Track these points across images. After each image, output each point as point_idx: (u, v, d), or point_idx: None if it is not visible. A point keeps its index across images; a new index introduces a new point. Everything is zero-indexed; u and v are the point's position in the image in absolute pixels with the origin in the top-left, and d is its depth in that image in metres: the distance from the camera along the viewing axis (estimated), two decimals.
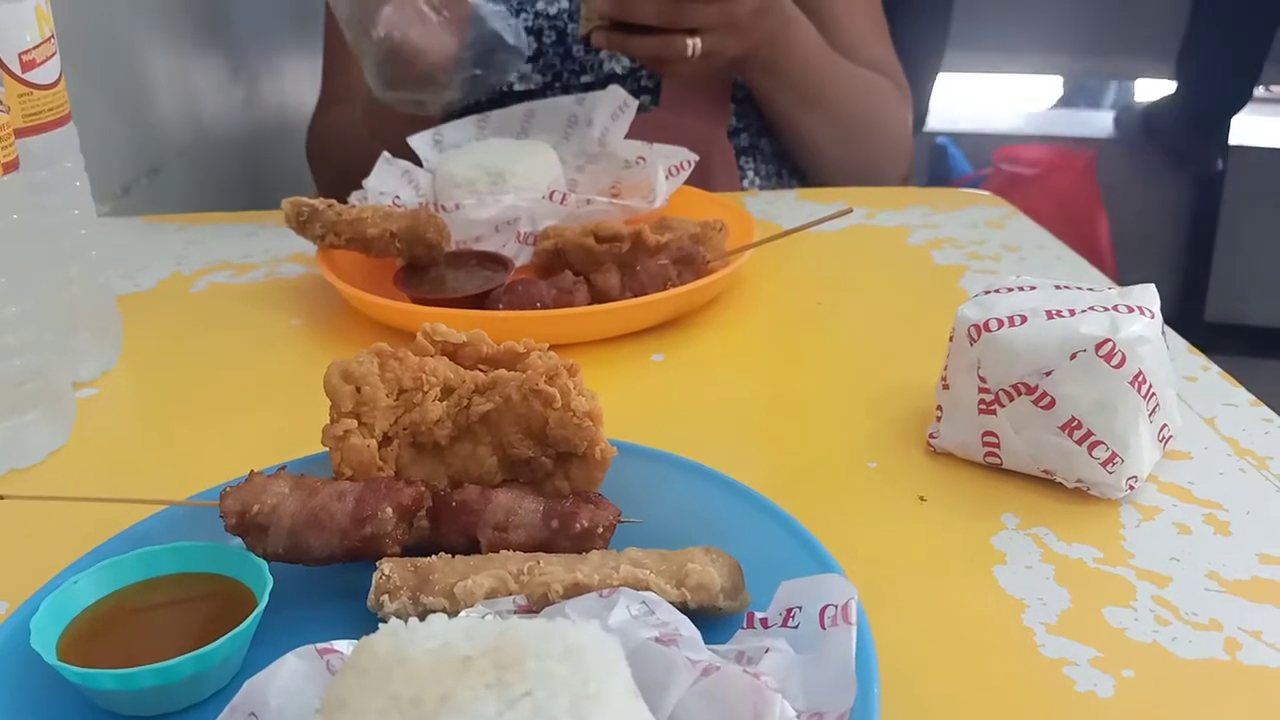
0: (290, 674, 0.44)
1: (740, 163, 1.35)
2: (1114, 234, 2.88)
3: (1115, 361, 0.60)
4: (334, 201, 0.96)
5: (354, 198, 1.04)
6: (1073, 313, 0.62)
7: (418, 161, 1.11)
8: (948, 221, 1.11)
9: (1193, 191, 3.14)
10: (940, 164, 3.06)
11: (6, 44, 0.73)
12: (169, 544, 0.55)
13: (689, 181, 1.07)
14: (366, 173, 1.06)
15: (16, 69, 0.74)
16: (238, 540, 0.55)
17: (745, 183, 1.35)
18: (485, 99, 1.16)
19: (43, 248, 0.74)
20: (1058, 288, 0.66)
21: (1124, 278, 0.98)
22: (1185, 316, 2.99)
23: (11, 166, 0.68)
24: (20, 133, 0.73)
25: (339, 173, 1.42)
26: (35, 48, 0.75)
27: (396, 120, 1.15)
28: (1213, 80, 2.91)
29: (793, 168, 1.41)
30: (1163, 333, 0.64)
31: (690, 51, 1.09)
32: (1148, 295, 0.65)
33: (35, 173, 0.76)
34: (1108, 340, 0.60)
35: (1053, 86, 3.71)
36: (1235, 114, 2.99)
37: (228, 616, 0.50)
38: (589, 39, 1.12)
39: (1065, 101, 3.70)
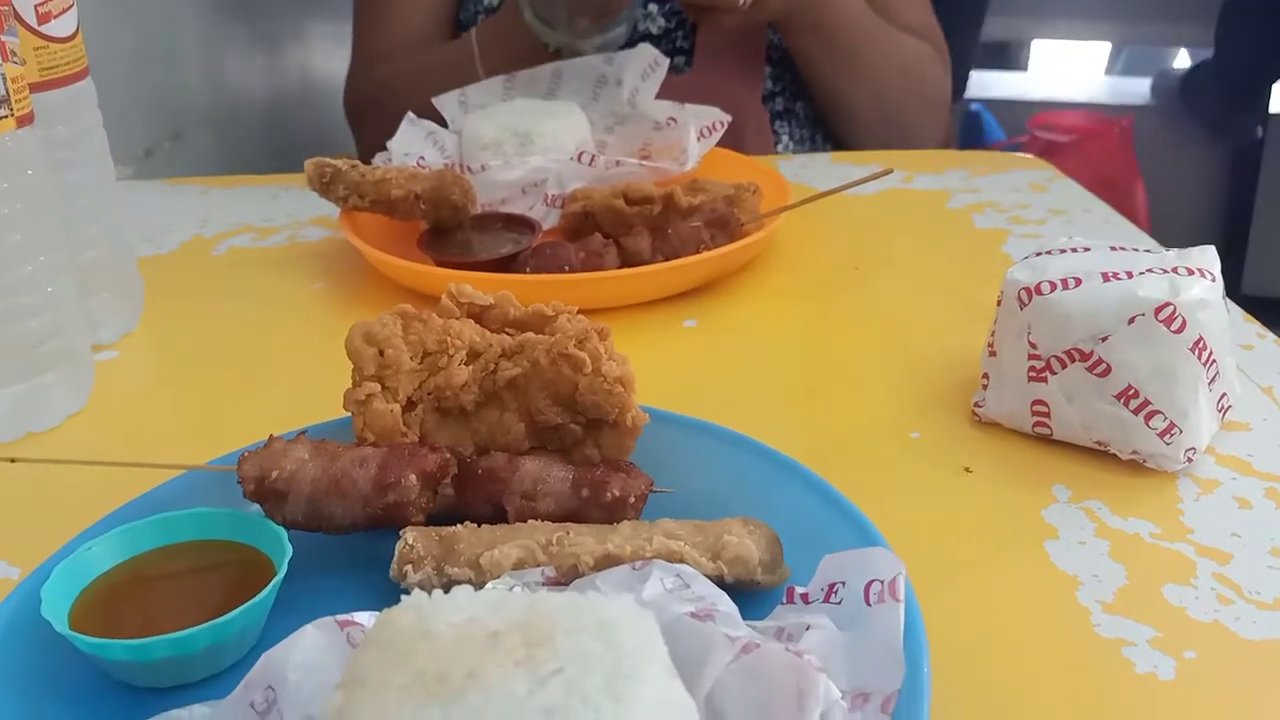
0: (309, 646, 0.42)
1: (774, 127, 1.32)
2: (1150, 203, 2.82)
3: (1175, 326, 0.57)
4: (358, 162, 0.93)
5: (378, 159, 1.02)
6: (1130, 275, 0.59)
7: (443, 123, 1.09)
8: (989, 185, 1.08)
9: (1231, 160, 3.07)
10: (974, 131, 3.00)
11: None
12: (186, 510, 0.53)
13: (721, 144, 1.04)
14: None
15: (33, 21, 0.72)
16: (256, 507, 0.53)
17: (779, 147, 1.32)
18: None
19: (60, 205, 0.72)
20: (1113, 249, 0.63)
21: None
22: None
23: (26, 120, 0.66)
24: (36, 87, 0.71)
25: (390, 129, 1.41)
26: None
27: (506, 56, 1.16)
28: (1252, 47, 2.83)
29: (827, 132, 1.38)
30: (1223, 297, 0.61)
31: (742, 1, 1.06)
32: (1207, 257, 0.62)
33: (52, 129, 0.74)
34: (1168, 304, 0.57)
35: (1090, 53, 3.64)
36: (1275, 81, 2.92)
37: (246, 586, 0.49)
38: None
39: (1102, 68, 3.63)
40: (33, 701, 0.46)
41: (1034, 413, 0.62)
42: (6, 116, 0.64)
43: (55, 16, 0.73)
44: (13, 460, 0.54)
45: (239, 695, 0.41)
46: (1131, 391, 0.58)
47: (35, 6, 0.72)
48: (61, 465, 0.60)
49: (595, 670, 0.34)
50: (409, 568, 0.50)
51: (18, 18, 0.71)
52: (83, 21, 0.76)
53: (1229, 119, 2.99)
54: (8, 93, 0.64)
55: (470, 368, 0.57)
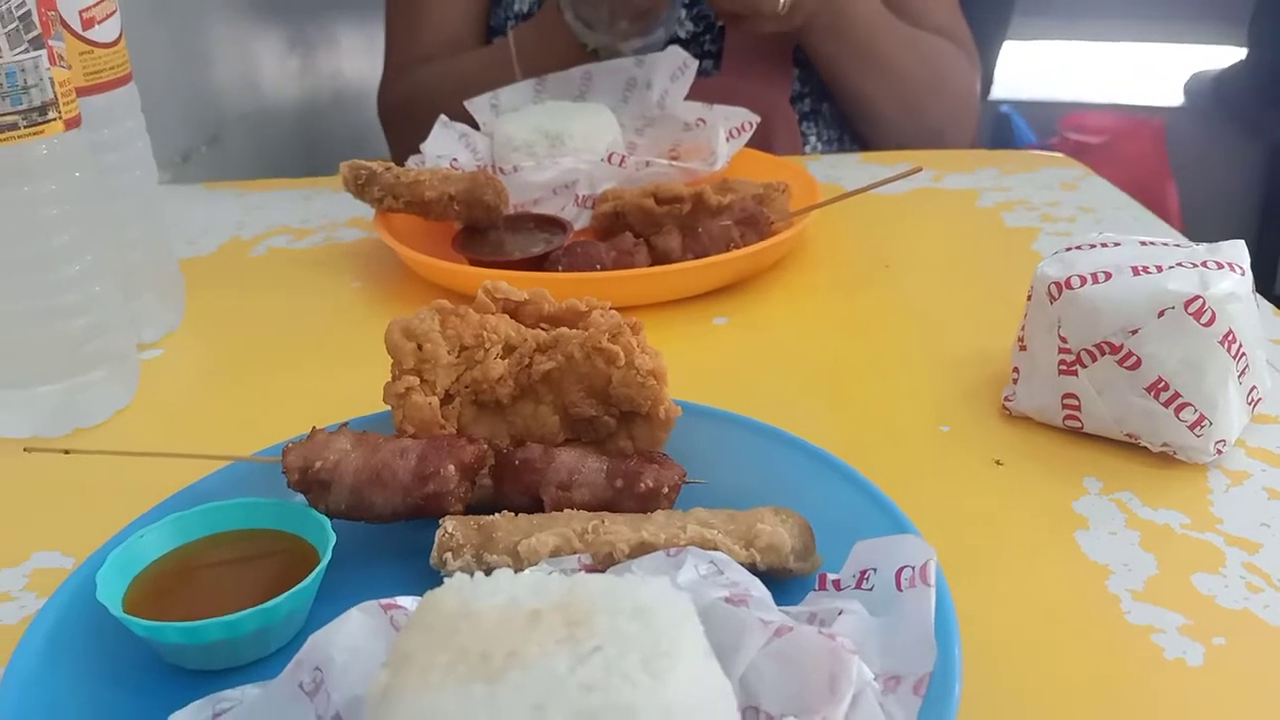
0: (355, 629, 0.44)
1: (802, 128, 1.32)
2: (1183, 204, 2.80)
3: (1205, 320, 0.57)
4: (392, 164, 0.95)
5: (412, 161, 1.03)
6: (1160, 269, 0.59)
7: (475, 125, 1.10)
8: (1019, 184, 1.08)
9: (1265, 161, 3.04)
10: (1004, 133, 2.98)
11: (67, 1, 0.72)
12: (234, 500, 0.54)
13: (750, 145, 1.05)
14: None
15: (77, 26, 0.74)
16: (301, 497, 0.55)
17: (807, 148, 1.33)
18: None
19: (105, 207, 0.73)
20: (1143, 244, 0.64)
21: None
22: (1255, 289, 2.89)
23: (74, 123, 0.68)
24: (81, 91, 0.73)
25: (424, 132, 1.42)
26: (95, 5, 0.75)
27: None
28: None
29: (855, 133, 1.38)
30: (1253, 291, 0.61)
31: (782, 5, 1.07)
32: (1237, 251, 0.62)
33: (97, 132, 0.75)
34: (1197, 297, 0.57)
35: (1121, 53, 3.61)
36: None
37: (292, 573, 0.50)
38: None
39: (1134, 69, 3.60)
40: (89, 682, 0.47)
41: (1064, 406, 0.63)
42: (55, 119, 0.66)
43: (99, 22, 0.75)
44: (67, 451, 0.55)
45: (288, 676, 0.42)
46: (1161, 384, 0.59)
47: (79, 12, 0.74)
48: (110, 459, 0.62)
49: (633, 649, 0.35)
50: (449, 555, 0.51)
51: (63, 23, 0.73)
52: (122, 27, 0.78)
53: (1263, 119, 2.96)
54: (55, 96, 0.66)
55: (506, 361, 0.59)
